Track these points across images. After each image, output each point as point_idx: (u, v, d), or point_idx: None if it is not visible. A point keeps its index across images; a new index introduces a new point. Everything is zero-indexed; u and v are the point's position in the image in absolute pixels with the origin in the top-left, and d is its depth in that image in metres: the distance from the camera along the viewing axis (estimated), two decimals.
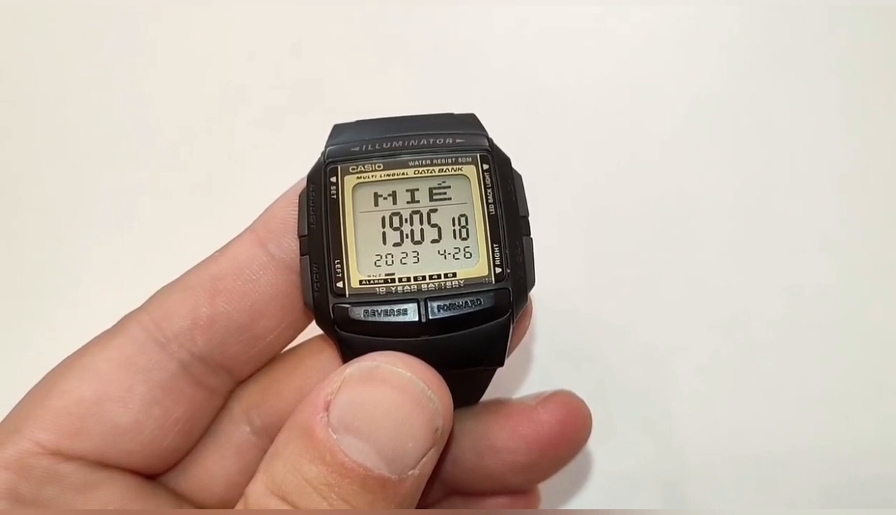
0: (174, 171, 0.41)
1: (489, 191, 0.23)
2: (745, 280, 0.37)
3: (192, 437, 0.25)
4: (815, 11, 0.39)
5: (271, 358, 0.26)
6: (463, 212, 0.23)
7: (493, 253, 0.22)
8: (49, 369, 0.25)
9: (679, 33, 0.40)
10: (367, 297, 0.22)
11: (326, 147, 0.24)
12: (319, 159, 0.24)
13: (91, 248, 0.40)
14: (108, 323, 0.25)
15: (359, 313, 0.22)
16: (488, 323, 0.22)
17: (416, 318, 0.22)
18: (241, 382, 0.26)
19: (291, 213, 0.24)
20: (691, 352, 0.36)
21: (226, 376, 0.25)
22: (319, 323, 0.23)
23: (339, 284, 0.22)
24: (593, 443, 0.34)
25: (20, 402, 0.24)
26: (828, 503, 0.33)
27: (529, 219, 0.23)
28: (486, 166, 0.23)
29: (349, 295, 0.22)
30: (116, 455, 0.24)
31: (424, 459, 0.20)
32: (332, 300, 0.22)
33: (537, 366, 0.36)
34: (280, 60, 0.42)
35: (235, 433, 0.26)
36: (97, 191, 0.41)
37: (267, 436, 0.26)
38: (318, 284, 0.22)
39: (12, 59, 0.43)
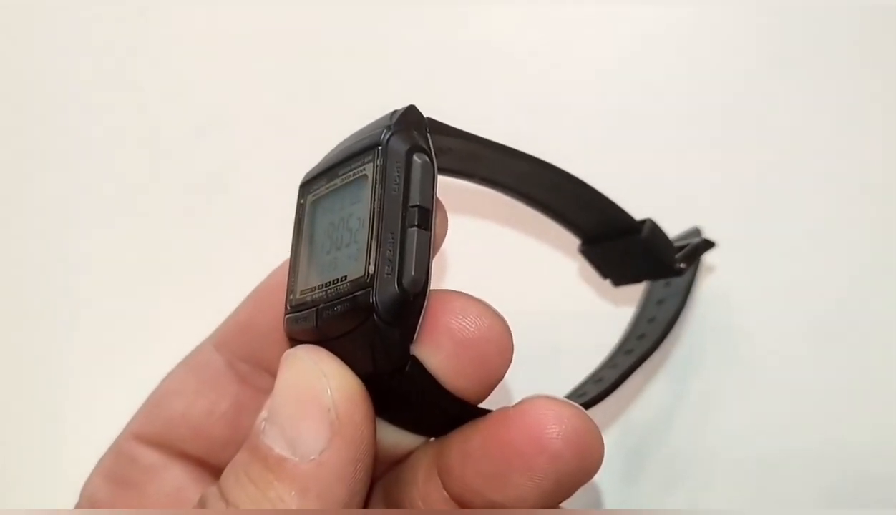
0: (174, 171, 0.41)
1: (377, 185, 0.22)
2: (745, 280, 0.37)
3: (239, 428, 0.28)
4: (815, 11, 0.39)
5: None
6: (362, 213, 0.22)
7: (369, 251, 0.21)
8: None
9: (680, 33, 0.40)
10: (294, 308, 0.23)
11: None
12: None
13: (91, 249, 0.40)
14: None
15: (289, 323, 0.24)
16: (363, 325, 0.21)
17: (313, 325, 0.22)
18: None
19: None
20: (691, 352, 0.36)
21: (269, 377, 0.27)
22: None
23: (291, 297, 0.24)
24: None
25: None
26: (828, 503, 0.34)
27: (430, 210, 0.22)
28: (380, 161, 0.22)
29: (289, 308, 0.24)
30: (173, 440, 0.28)
31: (327, 449, 0.20)
32: (285, 314, 0.24)
33: (540, 368, 0.35)
34: (279, 61, 0.42)
35: None
36: (94, 192, 0.41)
37: None
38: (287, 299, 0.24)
39: (12, 59, 0.43)
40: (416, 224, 0.21)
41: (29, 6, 0.43)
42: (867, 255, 0.37)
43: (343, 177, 0.23)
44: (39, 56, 0.43)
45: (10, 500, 0.39)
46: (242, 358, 0.28)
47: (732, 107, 0.39)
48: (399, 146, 0.22)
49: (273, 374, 0.25)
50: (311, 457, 0.20)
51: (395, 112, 0.23)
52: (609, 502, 0.35)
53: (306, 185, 0.25)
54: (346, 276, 0.22)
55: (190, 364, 0.28)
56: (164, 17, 0.43)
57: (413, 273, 0.21)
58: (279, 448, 0.20)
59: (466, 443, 0.24)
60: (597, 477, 0.34)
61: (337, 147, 0.25)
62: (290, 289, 0.24)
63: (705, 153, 0.39)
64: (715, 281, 0.37)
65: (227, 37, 0.42)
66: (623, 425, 0.35)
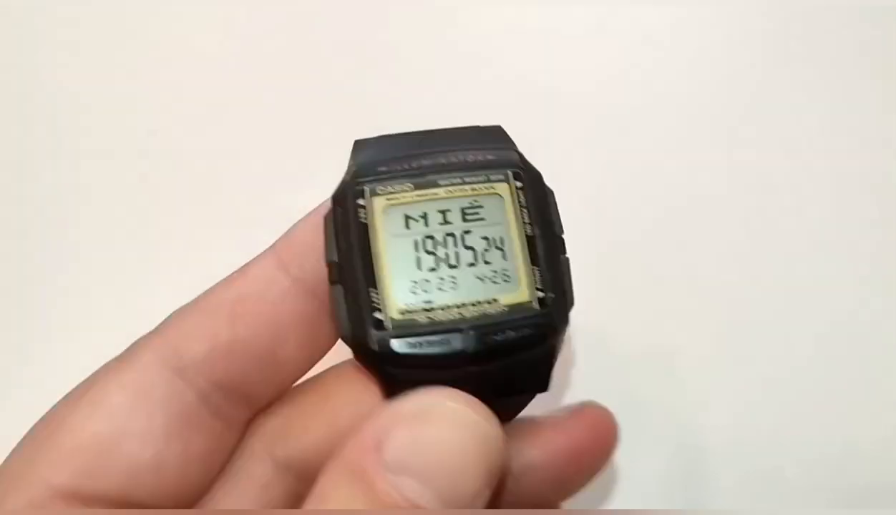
0: (174, 171, 0.41)
1: (524, 210, 0.22)
2: (746, 280, 0.37)
3: (212, 473, 0.24)
4: (816, 12, 0.39)
5: (289, 387, 0.25)
6: (498, 233, 0.21)
7: (533, 276, 0.21)
8: (44, 374, 0.23)
9: (681, 33, 0.40)
10: (410, 328, 0.20)
11: (350, 166, 0.23)
12: (344, 178, 0.22)
13: (90, 249, 0.40)
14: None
15: (402, 346, 0.20)
16: (533, 350, 0.21)
17: (462, 348, 0.20)
18: (258, 412, 0.25)
19: (315, 236, 0.22)
20: (693, 353, 0.36)
21: (244, 406, 0.24)
22: (358, 358, 0.21)
23: (378, 315, 0.21)
24: None
25: (22, 443, 0.22)
26: (828, 503, 0.33)
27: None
28: (519, 184, 0.22)
29: (391, 327, 0.21)
30: (137, 494, 0.22)
31: (479, 500, 0.20)
32: (372, 333, 0.20)
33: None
34: (280, 60, 0.42)
35: (257, 469, 0.24)
36: (93, 192, 0.41)
37: (291, 473, 0.24)
38: (355, 316, 0.21)
39: (12, 58, 0.43)
40: (564, 253, 0.22)
41: (29, 6, 0.43)
42: (868, 255, 0.37)
43: (449, 189, 0.22)
44: (39, 57, 0.43)
45: None
46: (220, 386, 0.23)
47: (735, 107, 0.39)
48: (536, 172, 0.23)
49: (251, 403, 0.24)
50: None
51: (486, 127, 0.23)
52: (609, 502, 0.35)
53: (363, 185, 0.22)
54: (496, 299, 0.21)
55: (132, 390, 0.22)
56: (163, 16, 0.42)
57: (573, 301, 0.22)
58: (429, 505, 0.19)
59: (519, 458, 0.25)
60: (596, 477, 0.34)
61: (393, 145, 0.23)
62: (375, 305, 0.21)
63: (707, 154, 0.38)
64: (715, 280, 0.37)
65: (226, 36, 0.42)
66: (623, 425, 0.35)
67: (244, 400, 0.24)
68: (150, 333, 0.23)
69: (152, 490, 0.22)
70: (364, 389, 0.24)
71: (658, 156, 0.39)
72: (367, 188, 0.22)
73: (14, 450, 0.22)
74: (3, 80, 0.42)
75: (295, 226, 0.24)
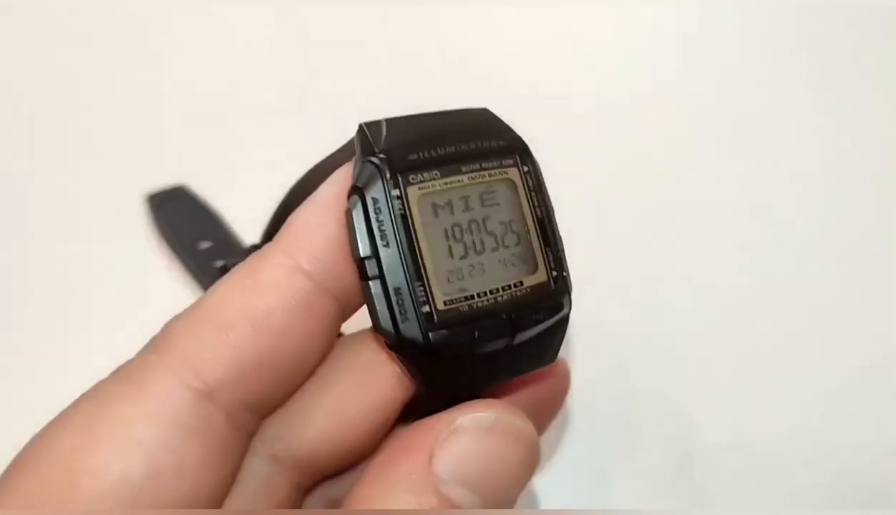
0: (174, 170, 0.41)
1: (533, 194, 0.22)
2: (747, 280, 0.37)
3: (229, 487, 0.21)
4: (816, 12, 0.39)
5: (300, 387, 0.23)
6: (512, 217, 0.22)
7: (546, 257, 0.22)
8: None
9: (683, 33, 0.40)
10: (455, 319, 0.20)
11: (368, 151, 0.21)
12: (368, 169, 0.21)
13: (90, 249, 0.40)
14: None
15: (450, 337, 0.20)
16: (553, 328, 0.22)
17: (502, 334, 0.21)
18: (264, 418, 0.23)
19: (324, 230, 0.21)
20: (693, 352, 0.36)
21: (259, 416, 0.22)
22: (403, 353, 0.21)
23: (426, 308, 0.20)
24: (594, 443, 0.34)
25: (24, 478, 0.18)
26: (828, 503, 0.33)
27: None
28: (525, 168, 0.22)
29: (438, 319, 0.20)
30: None
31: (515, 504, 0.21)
32: (424, 327, 0.20)
33: None
34: (279, 60, 0.42)
35: (262, 470, 0.23)
36: (93, 192, 0.41)
37: (294, 468, 0.23)
38: (402, 311, 0.20)
39: (12, 58, 0.43)
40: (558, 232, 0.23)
41: (28, 6, 0.43)
42: (869, 255, 0.37)
43: (471, 175, 0.22)
44: (40, 57, 0.43)
45: None
46: (247, 406, 0.21)
47: (732, 107, 0.39)
48: (530, 151, 0.23)
49: (261, 413, 0.22)
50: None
51: (486, 110, 0.24)
52: (609, 501, 0.35)
53: (396, 174, 0.21)
54: (522, 282, 0.22)
55: (159, 419, 0.19)
56: (162, 16, 0.42)
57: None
58: (470, 505, 0.19)
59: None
60: (596, 476, 0.34)
61: (408, 130, 0.22)
62: (422, 300, 0.20)
63: (707, 154, 0.38)
64: (714, 280, 0.37)
65: (225, 36, 0.42)
66: (622, 425, 0.35)
67: (258, 412, 0.22)
68: (157, 350, 0.20)
69: None
70: (365, 375, 0.23)
71: (659, 156, 0.39)
72: (400, 177, 0.21)
73: (12, 485, 0.18)
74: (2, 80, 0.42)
75: (296, 218, 0.22)
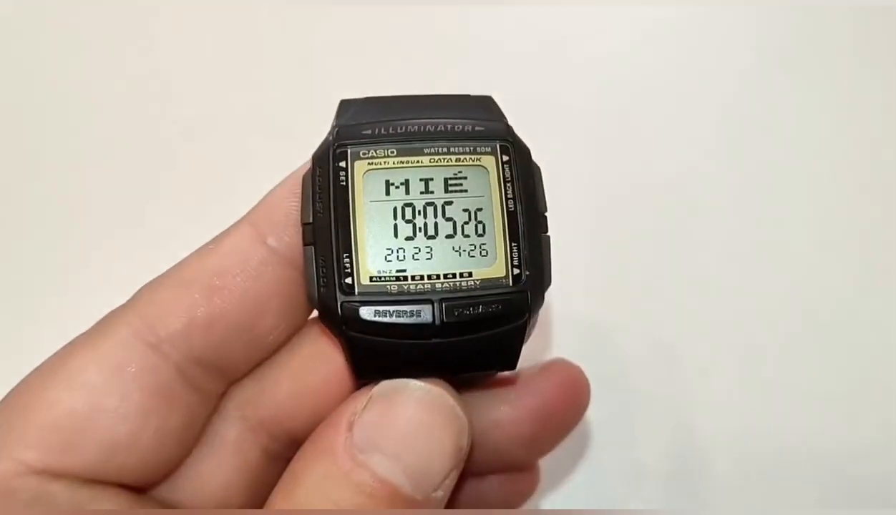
0: (174, 170, 0.41)
1: (508, 185, 0.21)
2: (747, 280, 0.37)
3: (187, 445, 0.23)
4: (817, 12, 0.39)
5: (269, 356, 0.25)
6: (479, 206, 0.21)
7: (510, 252, 0.21)
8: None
9: (683, 33, 0.40)
10: (378, 296, 0.20)
11: (334, 126, 0.22)
12: (327, 139, 0.22)
13: (88, 249, 0.40)
14: (95, 312, 0.23)
15: (369, 313, 0.20)
16: (503, 327, 0.21)
17: (430, 320, 0.20)
18: (234, 382, 0.25)
19: (293, 204, 0.22)
20: (693, 352, 0.36)
21: (220, 378, 0.24)
22: (324, 321, 0.21)
23: (349, 280, 0.20)
24: (594, 443, 0.34)
25: None
26: (828, 503, 0.34)
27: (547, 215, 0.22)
28: (505, 157, 0.21)
29: (359, 292, 0.20)
30: (111, 471, 0.21)
31: (447, 481, 0.20)
32: (340, 297, 0.20)
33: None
34: (281, 59, 0.42)
35: (230, 432, 0.24)
36: (93, 191, 0.41)
37: (263, 432, 0.24)
38: (325, 278, 0.21)
39: (11, 59, 0.43)
40: (545, 231, 0.22)
41: (32, 8, 0.43)
42: (867, 254, 0.37)
43: (434, 157, 0.21)
44: (40, 57, 0.43)
45: None
46: (198, 361, 0.22)
47: (736, 107, 0.39)
48: (525, 147, 0.22)
49: (228, 375, 0.23)
50: (434, 492, 0.20)
51: (477, 97, 0.23)
52: (610, 501, 0.35)
53: (346, 147, 0.21)
54: (470, 273, 0.21)
55: (108, 366, 0.21)
56: (163, 16, 0.42)
57: (550, 281, 0.22)
58: (398, 482, 0.19)
59: (487, 415, 0.25)
60: (597, 476, 0.34)
61: (379, 108, 0.22)
62: (346, 270, 0.21)
63: (708, 154, 0.38)
64: (715, 280, 0.37)
65: (224, 37, 0.42)
66: (622, 424, 0.35)
67: (221, 372, 0.23)
68: (123, 307, 0.23)
69: (126, 465, 0.22)
70: (329, 344, 0.24)
71: (659, 156, 0.39)
72: (349, 150, 0.21)
73: None
74: (2, 80, 0.42)
75: (273, 192, 0.23)
